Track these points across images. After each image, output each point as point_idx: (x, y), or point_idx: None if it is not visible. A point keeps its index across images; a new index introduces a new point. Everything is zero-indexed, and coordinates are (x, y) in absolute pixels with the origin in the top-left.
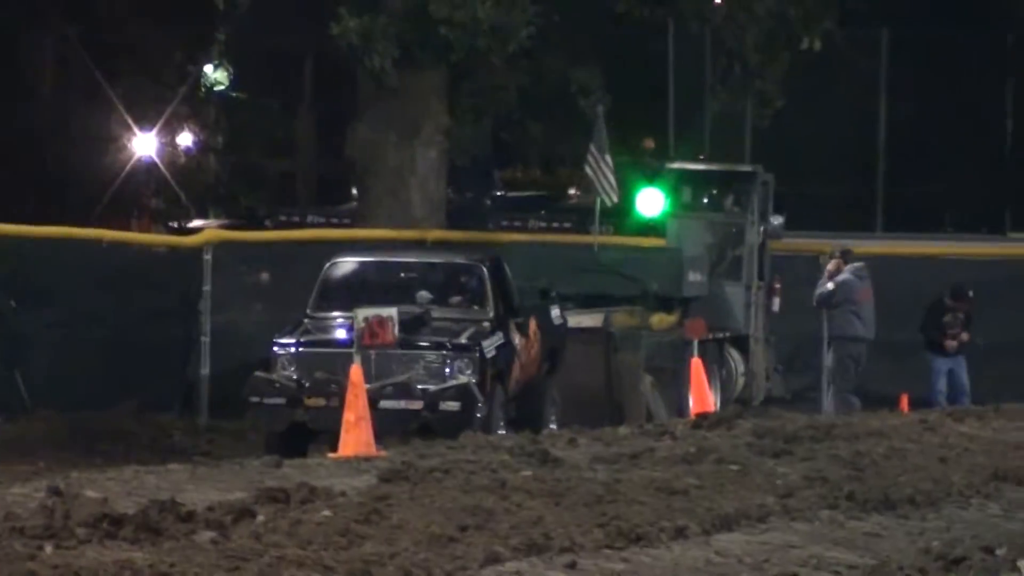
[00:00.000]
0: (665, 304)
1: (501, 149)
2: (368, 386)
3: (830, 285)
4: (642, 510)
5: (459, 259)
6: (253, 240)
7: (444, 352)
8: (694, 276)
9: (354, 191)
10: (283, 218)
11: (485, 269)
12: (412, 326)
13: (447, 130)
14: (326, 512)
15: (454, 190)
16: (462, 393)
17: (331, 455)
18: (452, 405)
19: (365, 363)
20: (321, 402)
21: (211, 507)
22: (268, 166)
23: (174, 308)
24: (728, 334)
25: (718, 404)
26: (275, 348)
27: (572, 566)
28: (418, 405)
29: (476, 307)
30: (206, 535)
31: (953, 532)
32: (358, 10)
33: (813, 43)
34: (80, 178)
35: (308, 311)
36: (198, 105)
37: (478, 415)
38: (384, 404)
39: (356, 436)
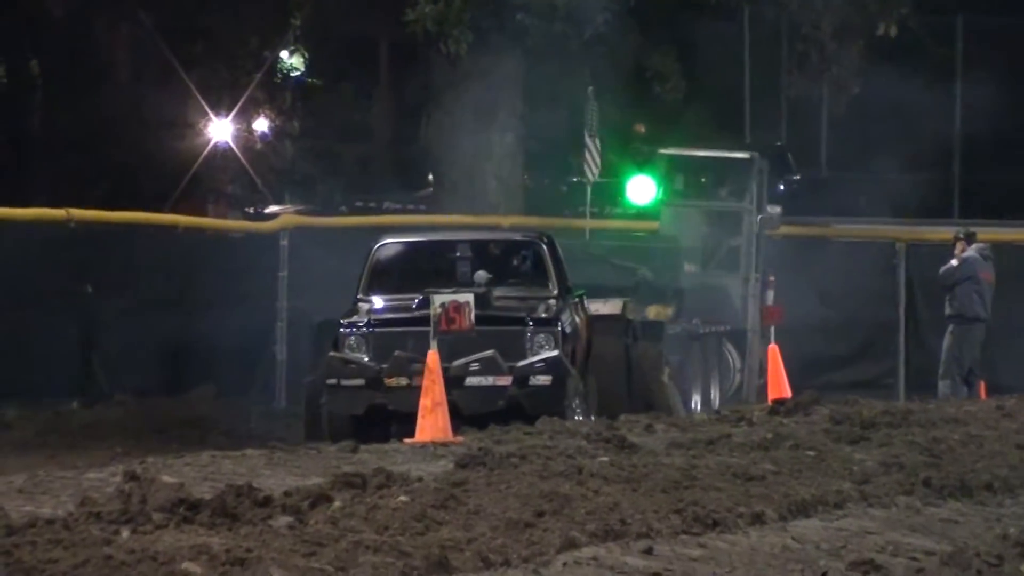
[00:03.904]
0: (658, 295)
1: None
2: (453, 364)
3: (954, 261)
4: (719, 496)
5: (516, 236)
6: (329, 226)
7: (525, 327)
8: (689, 267)
9: (430, 177)
10: (359, 204)
11: (544, 246)
12: (478, 305)
13: (523, 115)
14: (403, 497)
15: (530, 176)
16: (553, 366)
17: (407, 441)
18: (543, 379)
19: (442, 342)
20: (403, 381)
21: (288, 492)
22: (344, 151)
23: (250, 294)
24: (727, 328)
25: (718, 400)
26: (343, 329)
27: (649, 552)
28: (506, 381)
29: (537, 284)
30: (283, 520)
31: None
32: None
33: (889, 29)
34: (156, 164)
35: (359, 295)
36: (274, 91)
37: (568, 390)
38: (471, 381)
39: (433, 422)
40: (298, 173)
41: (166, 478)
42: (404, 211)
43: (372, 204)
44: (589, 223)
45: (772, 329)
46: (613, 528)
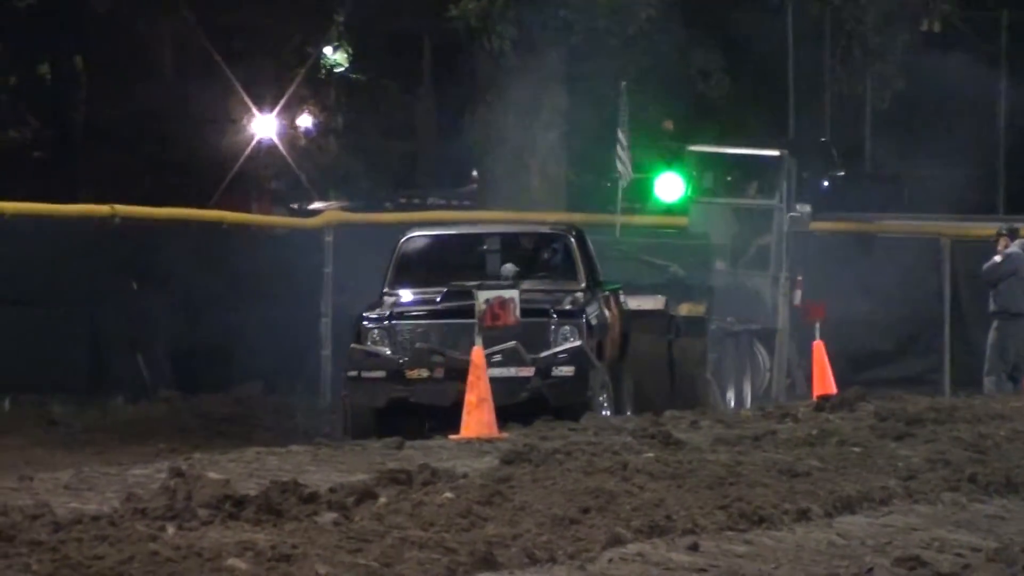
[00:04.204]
0: (690, 293)
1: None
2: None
3: (998, 257)
4: (764, 492)
5: (544, 229)
6: (373, 222)
7: (550, 319)
8: (720, 264)
9: (474, 173)
10: (403, 200)
11: (572, 239)
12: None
13: (566, 112)
14: (448, 494)
15: (574, 172)
16: (576, 357)
17: (453, 437)
18: (566, 370)
19: (464, 334)
20: (424, 373)
21: (333, 488)
22: (388, 148)
23: (295, 290)
24: (759, 327)
25: (749, 399)
26: (365, 322)
27: (694, 548)
28: (529, 372)
29: (565, 278)
30: (328, 516)
31: None
32: None
33: (933, 24)
34: (200, 160)
35: (385, 288)
36: (318, 87)
37: (592, 382)
38: (492, 372)
39: (478, 418)
40: (342, 169)
41: (212, 474)
42: (448, 207)
43: (416, 200)
44: (620, 219)
45: (817, 325)
46: (658, 524)
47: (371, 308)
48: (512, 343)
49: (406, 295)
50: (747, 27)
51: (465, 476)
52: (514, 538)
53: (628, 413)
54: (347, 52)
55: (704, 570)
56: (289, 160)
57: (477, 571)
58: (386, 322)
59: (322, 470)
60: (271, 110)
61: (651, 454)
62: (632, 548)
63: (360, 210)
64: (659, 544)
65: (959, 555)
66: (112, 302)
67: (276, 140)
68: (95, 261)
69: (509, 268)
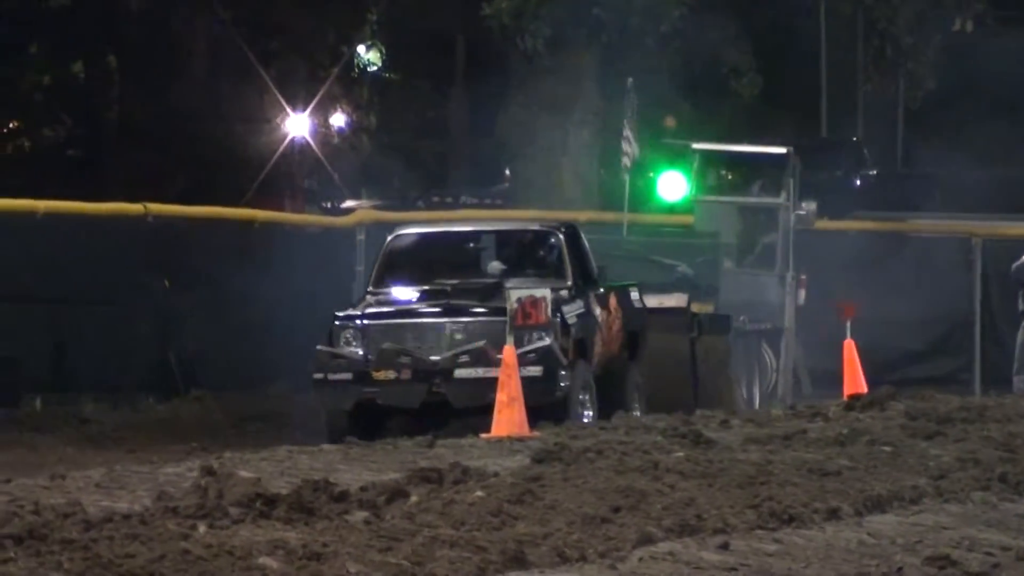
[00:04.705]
0: (697, 292)
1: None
2: (439, 356)
3: None
4: (795, 491)
5: (532, 226)
6: (406, 221)
7: None
8: (726, 263)
9: (506, 171)
10: (436, 199)
11: (561, 236)
12: (485, 296)
13: (599, 110)
14: (479, 492)
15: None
16: (543, 357)
17: (483, 436)
18: (533, 370)
19: (436, 334)
20: (391, 375)
21: (364, 487)
22: (420, 146)
23: (327, 289)
24: (768, 327)
25: (757, 400)
26: (337, 322)
27: (725, 547)
28: (496, 372)
29: (553, 276)
30: (359, 515)
31: None
32: None
33: (965, 24)
34: (233, 158)
35: (370, 287)
36: (351, 85)
37: (561, 382)
38: (460, 373)
39: (509, 417)
40: (375, 168)
41: (243, 473)
42: (481, 206)
43: (449, 199)
44: (627, 217)
45: (848, 324)
46: (689, 523)
47: (347, 307)
48: (481, 343)
49: (388, 294)
50: (780, 27)
51: (496, 475)
52: (545, 537)
53: (637, 414)
54: (380, 51)
55: (734, 569)
56: (322, 159)
57: (508, 570)
58: (358, 322)
59: (353, 469)
60: (304, 109)
61: (682, 453)
62: (663, 547)
63: (392, 209)
64: (689, 543)
65: (989, 554)
66: (144, 300)
67: (309, 139)
68: (127, 260)
69: (496, 266)
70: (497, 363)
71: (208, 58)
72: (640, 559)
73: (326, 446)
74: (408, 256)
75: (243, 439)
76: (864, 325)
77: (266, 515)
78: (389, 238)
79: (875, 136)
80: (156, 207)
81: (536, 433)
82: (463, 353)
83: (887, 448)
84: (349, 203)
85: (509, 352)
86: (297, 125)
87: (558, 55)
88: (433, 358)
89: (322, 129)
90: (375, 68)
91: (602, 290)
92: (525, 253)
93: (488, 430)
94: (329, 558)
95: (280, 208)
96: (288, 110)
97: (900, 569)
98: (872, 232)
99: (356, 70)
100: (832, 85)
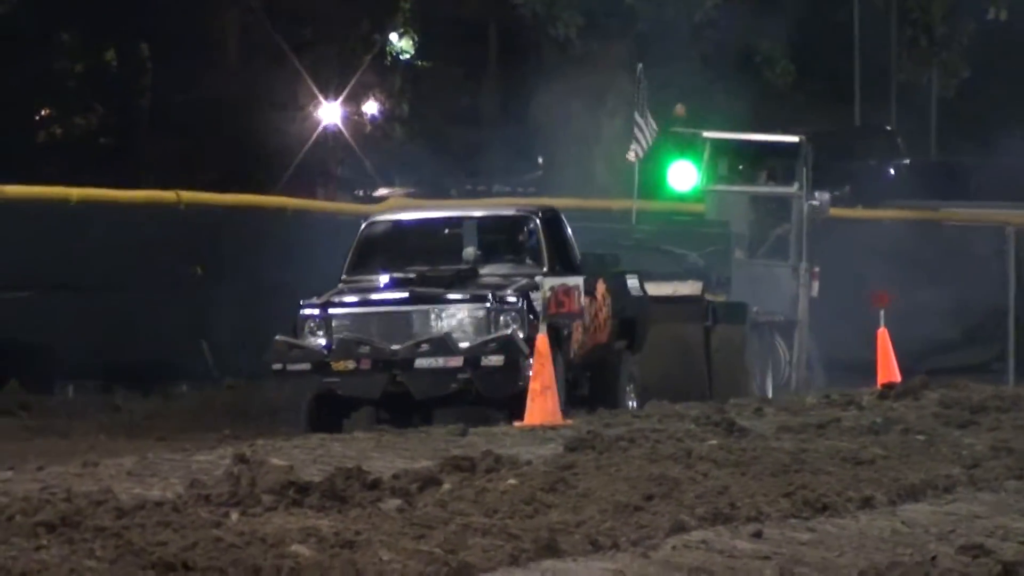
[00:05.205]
0: (709, 282)
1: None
2: (400, 346)
3: None
4: (828, 480)
5: (508, 211)
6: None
7: (486, 305)
8: (738, 253)
9: (539, 160)
10: (468, 187)
11: (538, 221)
12: (457, 283)
13: (632, 99)
14: (512, 481)
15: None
16: (505, 346)
17: (516, 424)
18: (495, 360)
19: (401, 324)
20: (351, 365)
21: (397, 475)
22: (453, 134)
23: None
24: (780, 319)
25: (771, 392)
26: (301, 312)
27: (758, 535)
28: (457, 362)
29: (529, 262)
30: (392, 503)
31: None
32: None
33: (1000, 13)
34: (265, 147)
35: (344, 275)
36: (383, 73)
37: (525, 372)
38: (420, 363)
39: (542, 405)
40: (407, 156)
41: (275, 461)
42: (514, 194)
43: (481, 187)
44: (637, 204)
45: (882, 313)
46: (722, 512)
47: (313, 297)
48: (442, 332)
49: (358, 283)
50: (814, 16)
51: (529, 463)
52: (577, 525)
53: (631, 405)
54: (413, 39)
55: (767, 557)
56: (354, 146)
57: (540, 558)
58: (321, 311)
59: (385, 456)
60: (337, 97)
61: (715, 441)
62: (696, 535)
63: (425, 196)
64: (723, 531)
65: (1023, 543)
66: (176, 288)
67: (341, 127)
68: (160, 247)
69: (470, 252)
70: (458, 352)
71: (241, 46)
72: (673, 547)
73: (358, 434)
74: (382, 243)
75: (276, 427)
76: (898, 314)
77: (298, 503)
78: (363, 224)
79: (909, 125)
80: (188, 195)
81: (569, 421)
82: (423, 342)
83: (921, 437)
84: (381, 191)
85: (542, 341)
86: (329, 113)
87: (591, 43)
88: (393, 347)
89: (354, 117)
90: (407, 56)
91: (585, 276)
92: (502, 239)
93: (520, 418)
94: (362, 546)
95: (313, 196)
96: (320, 98)
97: (934, 558)
98: (906, 221)
99: (388, 58)
100: (865, 74)
